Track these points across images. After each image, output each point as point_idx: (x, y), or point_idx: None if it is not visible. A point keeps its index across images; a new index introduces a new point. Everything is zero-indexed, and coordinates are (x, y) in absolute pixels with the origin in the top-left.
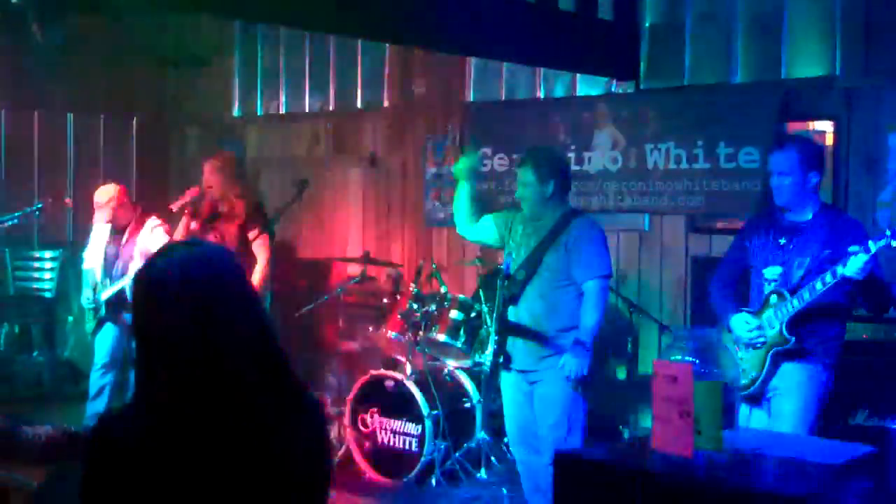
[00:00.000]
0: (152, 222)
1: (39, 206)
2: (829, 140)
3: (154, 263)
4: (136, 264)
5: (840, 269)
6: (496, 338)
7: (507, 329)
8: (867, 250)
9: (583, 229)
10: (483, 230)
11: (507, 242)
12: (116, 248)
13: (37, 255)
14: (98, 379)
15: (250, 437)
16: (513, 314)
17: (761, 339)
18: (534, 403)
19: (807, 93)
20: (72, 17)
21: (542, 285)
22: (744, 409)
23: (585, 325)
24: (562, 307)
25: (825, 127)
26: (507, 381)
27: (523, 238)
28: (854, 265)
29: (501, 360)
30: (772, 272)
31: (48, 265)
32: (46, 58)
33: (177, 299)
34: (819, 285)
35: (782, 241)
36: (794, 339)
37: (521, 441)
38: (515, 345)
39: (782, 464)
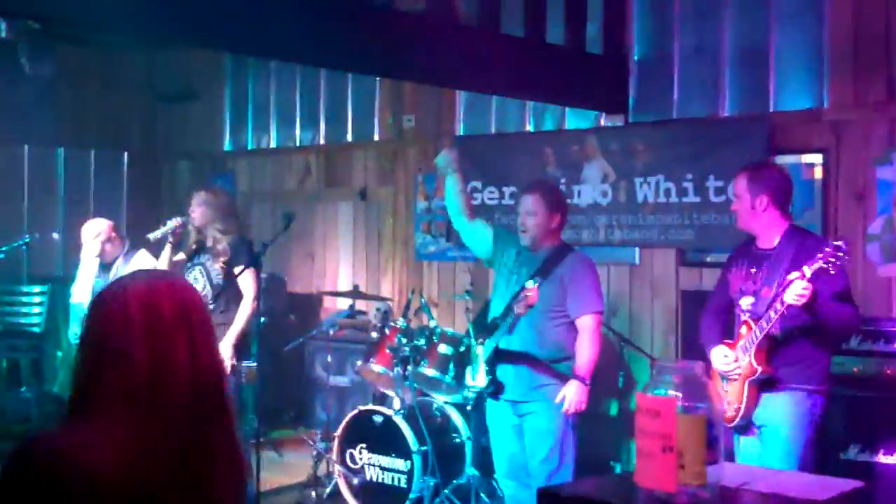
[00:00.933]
0: (141, 256)
1: (27, 240)
2: (818, 173)
3: (119, 283)
4: None
5: (784, 297)
6: (486, 367)
7: (499, 357)
8: (802, 276)
9: (579, 264)
10: (476, 234)
11: (496, 262)
12: (104, 282)
13: (25, 289)
14: None
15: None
16: (504, 343)
17: (737, 371)
18: (524, 436)
19: (795, 125)
20: (62, 50)
21: (535, 316)
22: (736, 440)
23: (583, 360)
24: (554, 338)
25: (814, 159)
26: (495, 412)
27: (515, 266)
28: (791, 292)
29: (491, 389)
30: (745, 302)
31: (36, 299)
32: (36, 91)
33: (132, 315)
34: (772, 314)
35: (753, 269)
36: (760, 368)
37: (510, 474)
38: (507, 374)
39: (767, 499)
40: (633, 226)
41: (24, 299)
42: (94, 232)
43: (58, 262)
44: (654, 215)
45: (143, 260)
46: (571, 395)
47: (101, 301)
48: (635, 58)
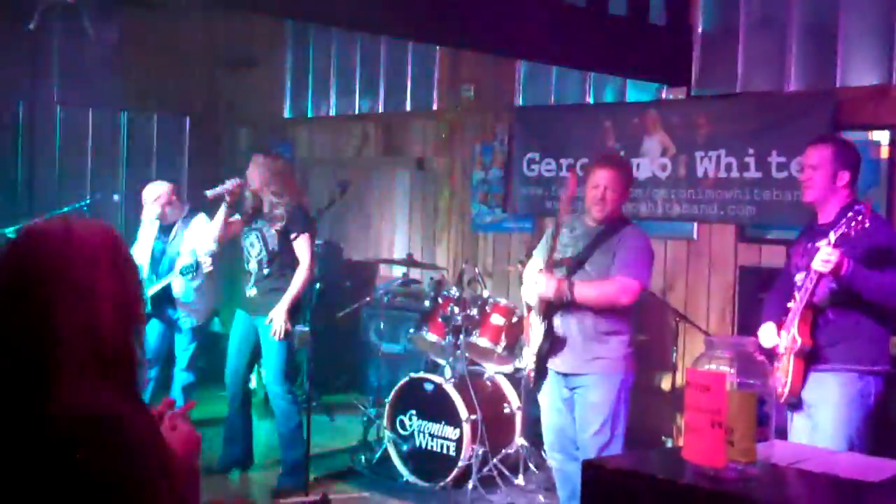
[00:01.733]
0: (200, 219)
1: (87, 201)
2: (885, 151)
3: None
4: (182, 261)
5: (812, 264)
6: (544, 327)
7: (553, 330)
8: (829, 242)
9: (632, 237)
10: None
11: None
12: (163, 244)
13: None
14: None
15: None
16: (557, 316)
17: (782, 346)
18: (574, 409)
19: (862, 101)
20: (126, 15)
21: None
22: (789, 417)
23: (587, 286)
24: (607, 311)
25: (881, 137)
26: (546, 384)
27: (571, 240)
28: (818, 259)
29: (548, 345)
30: (799, 277)
31: None
32: (101, 55)
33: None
34: (809, 284)
35: (810, 245)
36: (801, 340)
37: (558, 448)
38: (559, 342)
39: (817, 479)
40: (692, 200)
41: None
42: (155, 194)
43: (119, 224)
44: (714, 190)
45: (201, 223)
46: (549, 282)
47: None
48: (699, 30)
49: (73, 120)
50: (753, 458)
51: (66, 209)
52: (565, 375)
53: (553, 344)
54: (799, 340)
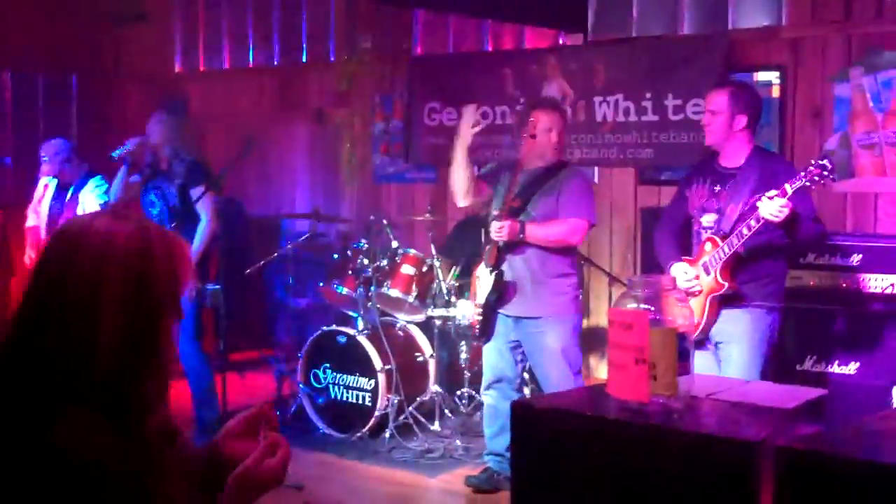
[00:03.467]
0: (96, 181)
1: None
2: (776, 91)
3: (85, 225)
4: None
5: (762, 213)
6: (494, 280)
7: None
8: (783, 193)
9: (575, 178)
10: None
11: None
12: (61, 205)
13: None
14: None
15: None
16: (506, 263)
17: (697, 287)
18: (526, 353)
19: (753, 43)
20: None
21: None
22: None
23: (542, 227)
24: (554, 253)
25: (771, 77)
26: (497, 327)
27: (517, 185)
28: (768, 208)
29: (495, 296)
30: (707, 219)
31: None
32: None
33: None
34: (745, 230)
35: (717, 188)
36: (726, 284)
37: (495, 387)
38: (508, 291)
39: (736, 408)
40: (592, 145)
41: None
42: (54, 150)
43: (9, 187)
44: (613, 134)
45: (98, 183)
46: (502, 225)
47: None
48: None
49: None
50: (675, 391)
51: None
52: (517, 319)
53: (502, 292)
54: (725, 285)
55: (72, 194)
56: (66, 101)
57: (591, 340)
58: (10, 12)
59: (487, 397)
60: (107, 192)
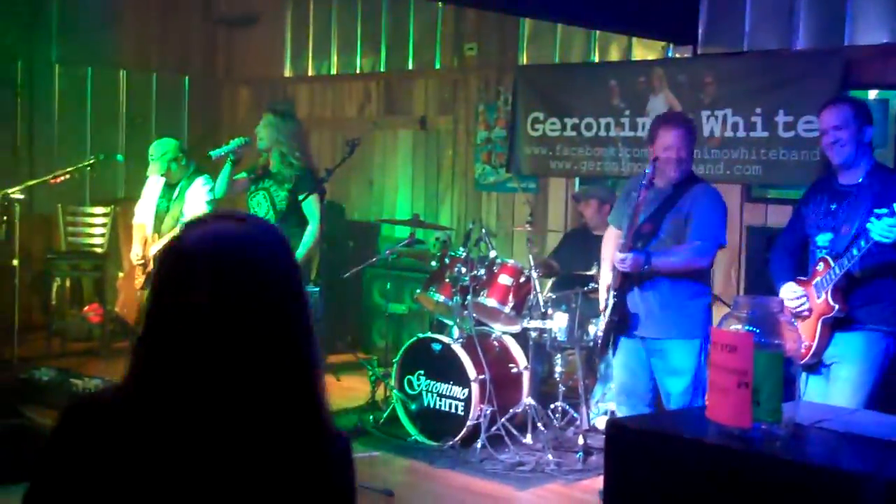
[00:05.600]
0: (204, 180)
1: (91, 162)
2: (893, 110)
3: (188, 233)
4: (184, 221)
5: (871, 234)
6: (614, 300)
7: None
8: (892, 212)
9: (706, 196)
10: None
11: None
12: (168, 203)
13: (88, 210)
14: None
15: (244, 452)
16: (633, 284)
17: (805, 309)
18: (654, 373)
19: (870, 60)
20: None
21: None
22: (804, 380)
23: (668, 255)
24: (685, 275)
25: (889, 96)
26: (622, 346)
27: (643, 202)
28: (878, 228)
29: (616, 319)
30: (823, 239)
31: (99, 220)
32: (100, 13)
33: (203, 276)
34: (855, 251)
35: (833, 206)
36: (837, 306)
37: (626, 404)
38: (637, 310)
39: (842, 438)
40: (699, 160)
41: (88, 220)
42: (162, 150)
43: (120, 184)
44: (720, 150)
45: (205, 183)
46: (625, 258)
47: (177, 253)
48: None
49: (73, 79)
50: (779, 418)
51: (69, 169)
52: (643, 338)
53: (625, 315)
54: (836, 307)
55: (178, 193)
56: (177, 101)
57: None
58: (127, 13)
59: (619, 410)
60: (212, 190)
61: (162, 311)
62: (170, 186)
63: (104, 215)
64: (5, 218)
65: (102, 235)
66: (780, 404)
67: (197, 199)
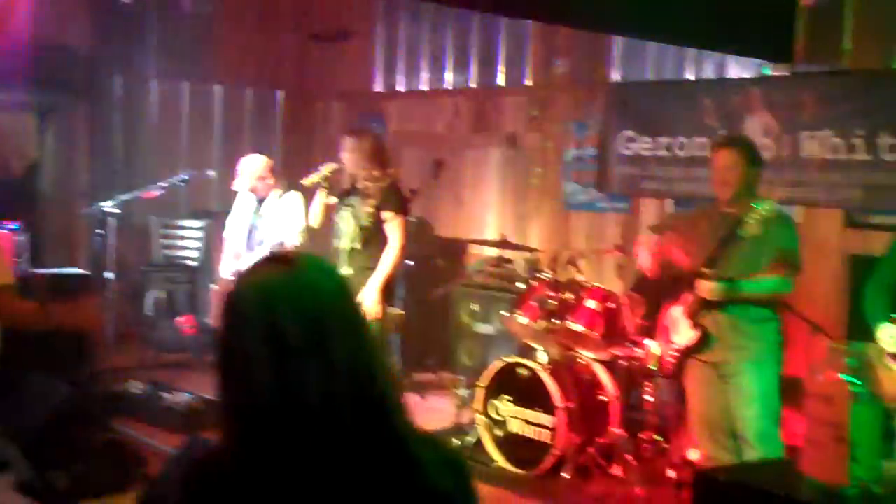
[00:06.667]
0: (293, 198)
1: (185, 177)
2: None
3: (241, 285)
4: (272, 237)
5: None
6: (696, 332)
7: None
8: None
9: (774, 220)
10: None
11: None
12: (257, 218)
13: (183, 223)
14: None
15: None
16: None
17: None
18: (728, 397)
19: None
20: None
21: (736, 276)
22: None
23: (751, 284)
24: (755, 299)
25: None
26: (695, 374)
27: (710, 228)
28: None
29: (698, 343)
30: None
31: (194, 234)
32: (195, 29)
33: (258, 329)
34: None
35: None
36: None
37: (709, 437)
38: (708, 340)
39: None
40: (796, 183)
41: (182, 233)
42: (250, 167)
43: (214, 197)
44: (820, 172)
45: (293, 201)
46: (708, 287)
47: (234, 299)
48: (805, 2)
49: (169, 94)
50: (879, 475)
51: (164, 183)
52: (715, 364)
53: (703, 339)
54: None
55: (266, 209)
56: (271, 115)
57: (786, 391)
58: (223, 29)
59: (699, 441)
60: (299, 209)
61: (230, 366)
62: (260, 202)
63: (198, 228)
64: (100, 232)
65: (196, 248)
66: (879, 461)
67: (285, 217)
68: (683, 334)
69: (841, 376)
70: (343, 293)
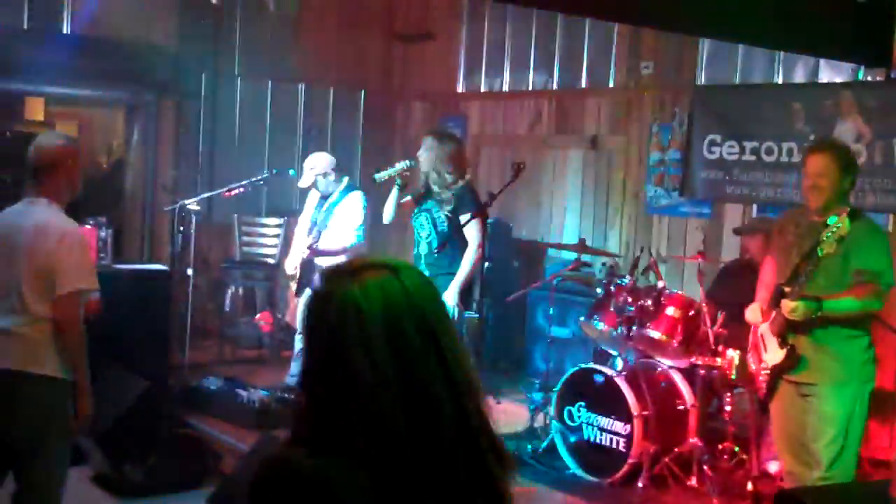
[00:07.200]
0: (357, 197)
1: (265, 176)
2: None
3: (343, 284)
4: (329, 234)
5: None
6: (786, 352)
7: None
8: None
9: (863, 232)
10: None
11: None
12: (318, 213)
13: (262, 221)
14: (300, 341)
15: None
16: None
17: None
18: (808, 416)
19: None
20: None
21: (820, 292)
22: None
23: (835, 301)
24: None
25: None
26: (779, 390)
27: (796, 237)
28: None
29: (789, 363)
30: None
31: (272, 231)
32: (280, 29)
33: (379, 337)
34: None
35: None
36: None
37: (788, 451)
38: (797, 359)
39: None
40: (889, 190)
41: (261, 231)
42: (312, 164)
43: (294, 196)
44: None
45: (355, 200)
46: (796, 308)
47: (338, 309)
48: None
49: (253, 93)
50: None
51: (246, 182)
52: (797, 383)
53: (791, 358)
54: None
55: (328, 206)
56: (353, 114)
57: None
58: (307, 29)
59: (781, 457)
60: (359, 208)
61: (330, 365)
62: (324, 199)
63: (277, 226)
64: (181, 228)
65: (274, 246)
66: None
67: (346, 215)
68: (773, 353)
69: None
70: (439, 298)
